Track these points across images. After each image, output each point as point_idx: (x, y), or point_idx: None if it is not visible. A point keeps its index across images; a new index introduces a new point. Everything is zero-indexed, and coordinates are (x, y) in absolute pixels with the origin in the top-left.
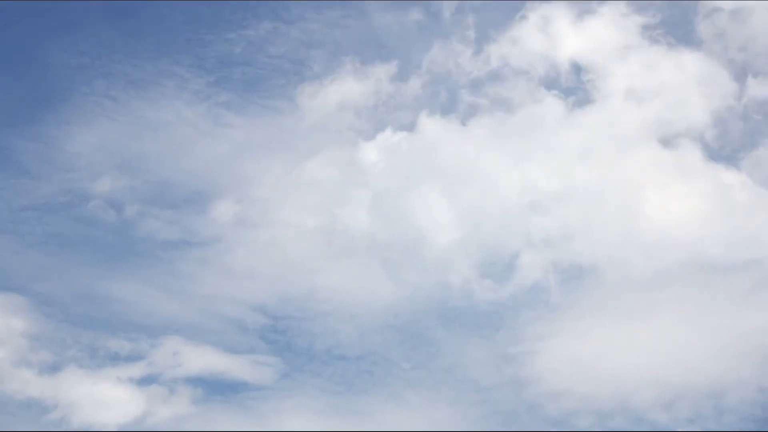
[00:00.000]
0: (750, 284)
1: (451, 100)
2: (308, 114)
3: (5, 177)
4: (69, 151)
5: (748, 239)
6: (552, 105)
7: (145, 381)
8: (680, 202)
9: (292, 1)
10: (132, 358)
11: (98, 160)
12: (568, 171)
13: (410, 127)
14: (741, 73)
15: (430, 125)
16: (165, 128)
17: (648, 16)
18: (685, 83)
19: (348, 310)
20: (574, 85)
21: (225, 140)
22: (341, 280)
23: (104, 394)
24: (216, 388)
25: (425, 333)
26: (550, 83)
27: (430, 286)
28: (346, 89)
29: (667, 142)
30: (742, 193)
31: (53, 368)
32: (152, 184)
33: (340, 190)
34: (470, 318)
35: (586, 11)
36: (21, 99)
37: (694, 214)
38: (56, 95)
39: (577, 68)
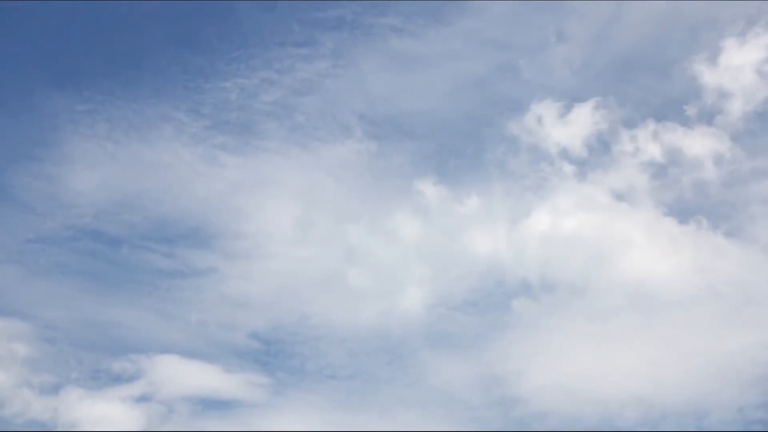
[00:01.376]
0: (727, 311)
1: None
2: (298, 158)
3: (12, 212)
4: (72, 189)
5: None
6: None
7: (143, 399)
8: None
9: (284, 50)
10: (131, 378)
11: (100, 198)
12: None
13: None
14: None
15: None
16: (163, 168)
17: None
18: None
19: (338, 335)
20: None
21: (220, 179)
22: (331, 307)
23: (104, 412)
24: (212, 406)
25: (413, 354)
26: None
27: (416, 310)
28: None
29: None
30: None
31: (54, 388)
32: (151, 221)
33: (330, 227)
34: (456, 339)
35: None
36: (28, 141)
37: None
38: (61, 137)
39: None
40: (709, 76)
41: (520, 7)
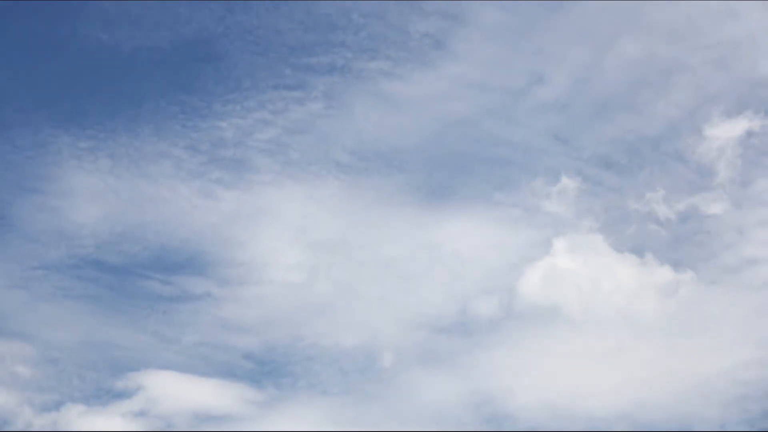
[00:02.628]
0: (708, 329)
1: None
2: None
3: (17, 242)
4: (75, 221)
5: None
6: None
7: (141, 414)
8: None
9: (278, 92)
10: (130, 394)
11: (102, 229)
12: None
13: None
14: None
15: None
16: (162, 202)
17: None
18: None
19: (329, 355)
20: None
21: (216, 212)
22: (323, 330)
23: (104, 427)
24: (207, 420)
25: (404, 373)
26: None
27: (407, 332)
28: None
29: None
30: None
31: (56, 405)
32: (150, 251)
33: (322, 254)
34: (446, 358)
35: None
36: (33, 175)
37: None
38: (65, 172)
39: None
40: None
41: (502, 52)
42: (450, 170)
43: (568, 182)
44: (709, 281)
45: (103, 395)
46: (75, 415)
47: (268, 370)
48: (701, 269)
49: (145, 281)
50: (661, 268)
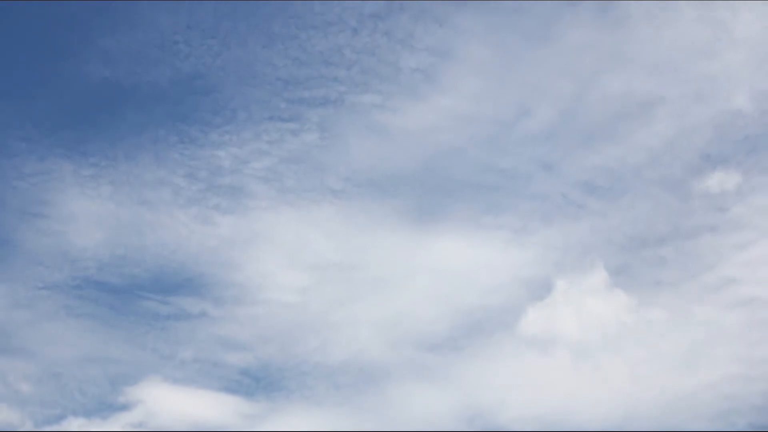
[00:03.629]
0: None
1: None
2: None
3: (22, 264)
4: (77, 245)
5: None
6: None
7: (140, 426)
8: None
9: (273, 124)
10: (129, 407)
11: (103, 253)
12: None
13: None
14: None
15: None
16: (161, 227)
17: None
18: None
19: (323, 370)
20: None
21: (213, 236)
22: (317, 347)
23: None
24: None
25: (398, 387)
26: None
27: (400, 347)
28: None
29: None
30: None
31: (57, 419)
32: (150, 273)
33: (315, 274)
34: (440, 372)
35: None
36: (38, 201)
37: None
38: (68, 198)
39: None
40: None
41: (489, 86)
42: (440, 195)
43: (554, 206)
44: (693, 300)
45: (103, 409)
46: (76, 427)
47: (263, 384)
48: (684, 289)
49: (144, 301)
50: (645, 288)
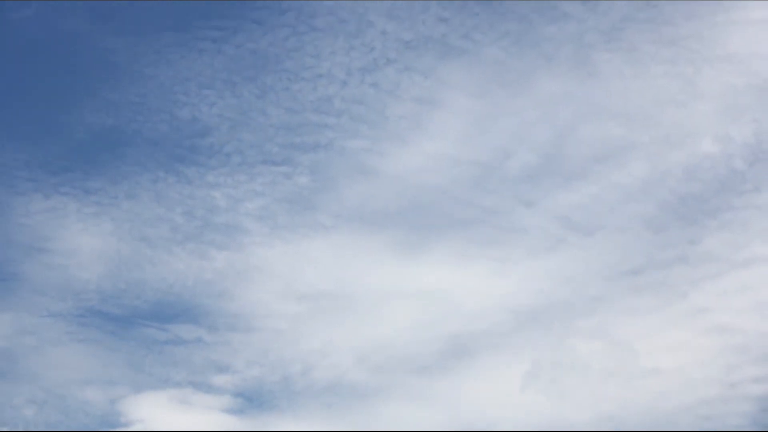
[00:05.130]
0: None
1: None
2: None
3: (28, 295)
4: (80, 278)
5: None
6: None
7: None
8: None
9: (266, 167)
10: (128, 424)
11: (105, 286)
12: None
13: None
14: None
15: None
16: (160, 262)
17: None
18: None
19: (315, 390)
20: None
21: (210, 270)
22: (308, 369)
23: None
24: None
25: (384, 404)
26: None
27: (387, 367)
28: None
29: None
30: None
31: None
32: (149, 304)
33: (307, 303)
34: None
35: None
36: (43, 237)
37: None
38: (72, 235)
39: None
40: None
41: (472, 131)
42: (425, 229)
43: (535, 239)
44: (668, 327)
45: (104, 426)
46: None
47: (255, 404)
48: (658, 316)
49: (143, 328)
50: (623, 314)
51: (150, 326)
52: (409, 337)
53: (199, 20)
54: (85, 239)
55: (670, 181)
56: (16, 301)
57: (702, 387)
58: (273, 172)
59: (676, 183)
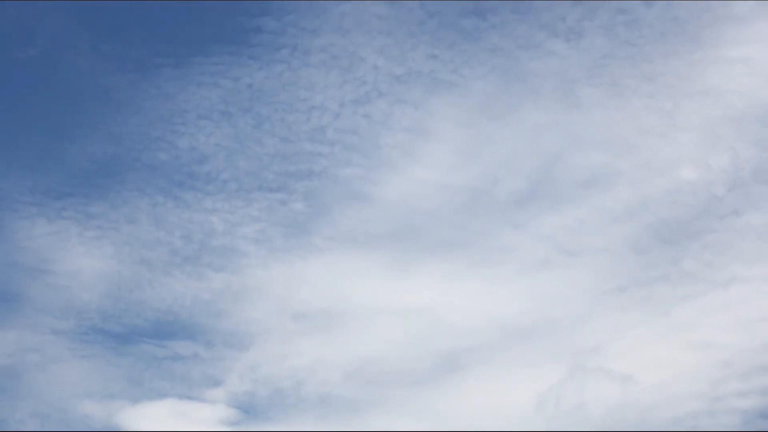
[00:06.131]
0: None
1: None
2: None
3: (33, 315)
4: (82, 298)
5: None
6: None
7: None
8: None
9: (262, 193)
10: None
11: (106, 306)
12: None
13: None
14: None
15: None
16: (159, 284)
17: None
18: None
19: (309, 401)
20: None
21: (207, 291)
22: (299, 384)
23: None
24: None
25: (373, 413)
26: None
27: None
28: None
29: None
30: None
31: None
32: (148, 322)
33: (300, 321)
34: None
35: None
36: (47, 260)
37: None
38: (74, 257)
39: None
40: None
41: (462, 160)
42: (417, 251)
43: (523, 260)
44: (651, 343)
45: None
46: None
47: (251, 415)
48: (641, 332)
49: (142, 345)
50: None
51: (149, 342)
52: (400, 352)
53: (197, 56)
54: (86, 261)
55: (653, 205)
56: (20, 320)
57: (688, 401)
58: (269, 198)
59: (658, 207)
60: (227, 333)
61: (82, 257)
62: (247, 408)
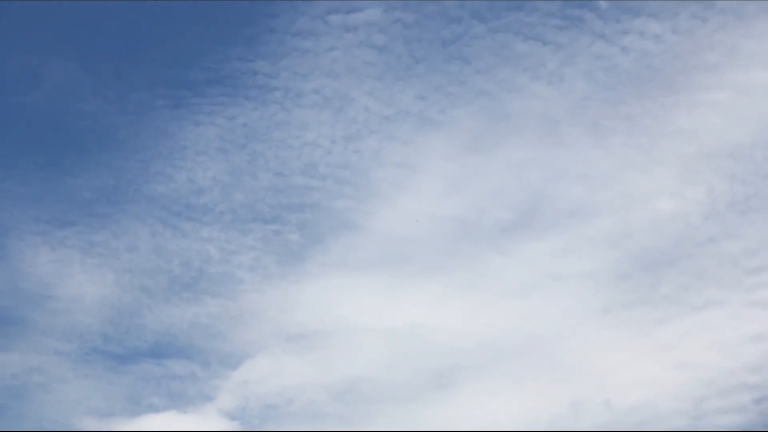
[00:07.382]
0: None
1: None
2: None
3: (37, 338)
4: (84, 322)
5: None
6: None
7: None
8: None
9: (257, 224)
10: None
11: (107, 329)
12: None
13: None
14: None
15: None
16: (159, 309)
17: None
18: None
19: (305, 411)
20: None
21: (204, 315)
22: (292, 398)
23: None
24: None
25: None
26: None
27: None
28: None
29: None
30: None
31: None
32: (148, 344)
33: (294, 343)
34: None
35: None
36: (48, 284)
37: None
38: (77, 284)
39: None
40: None
41: (449, 191)
42: (406, 275)
43: (510, 284)
44: (634, 362)
45: None
46: None
47: (247, 426)
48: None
49: (141, 364)
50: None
51: (148, 362)
52: (389, 371)
53: (195, 98)
54: (89, 288)
55: (633, 233)
56: (25, 343)
57: (672, 419)
58: (264, 229)
59: (638, 235)
60: (223, 353)
61: (84, 283)
62: (241, 419)
